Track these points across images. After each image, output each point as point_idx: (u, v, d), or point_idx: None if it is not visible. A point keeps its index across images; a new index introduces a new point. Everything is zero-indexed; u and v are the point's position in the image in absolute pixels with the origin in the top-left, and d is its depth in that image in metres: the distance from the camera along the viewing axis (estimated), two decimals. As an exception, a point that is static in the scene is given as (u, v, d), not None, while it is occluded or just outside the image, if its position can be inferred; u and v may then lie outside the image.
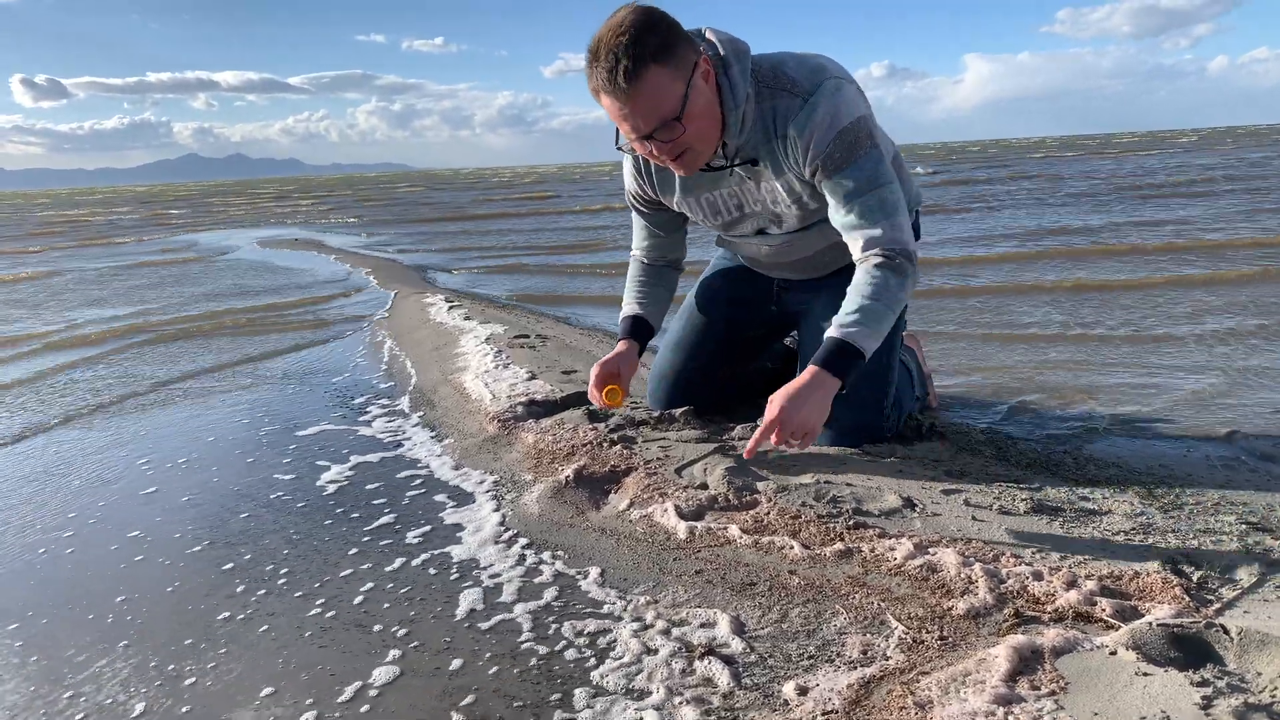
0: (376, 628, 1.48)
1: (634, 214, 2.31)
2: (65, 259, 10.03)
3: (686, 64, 1.76)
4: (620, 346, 2.28)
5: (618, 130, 2.02)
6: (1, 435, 2.88)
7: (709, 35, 1.87)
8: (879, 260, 1.87)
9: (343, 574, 1.70)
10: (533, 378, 3.04)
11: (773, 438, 1.78)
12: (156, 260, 9.36)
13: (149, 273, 8.10)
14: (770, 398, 1.81)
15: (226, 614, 1.57)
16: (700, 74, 1.78)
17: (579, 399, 2.72)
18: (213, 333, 4.76)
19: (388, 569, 1.71)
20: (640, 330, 2.31)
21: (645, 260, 2.36)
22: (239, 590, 1.66)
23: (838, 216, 1.92)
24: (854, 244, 1.92)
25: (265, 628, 1.51)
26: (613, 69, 1.69)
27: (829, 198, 1.92)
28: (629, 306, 2.34)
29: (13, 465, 2.56)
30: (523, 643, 1.41)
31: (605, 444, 2.26)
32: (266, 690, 1.32)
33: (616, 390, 2.21)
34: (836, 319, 1.86)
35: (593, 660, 1.34)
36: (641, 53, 1.68)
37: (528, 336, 3.85)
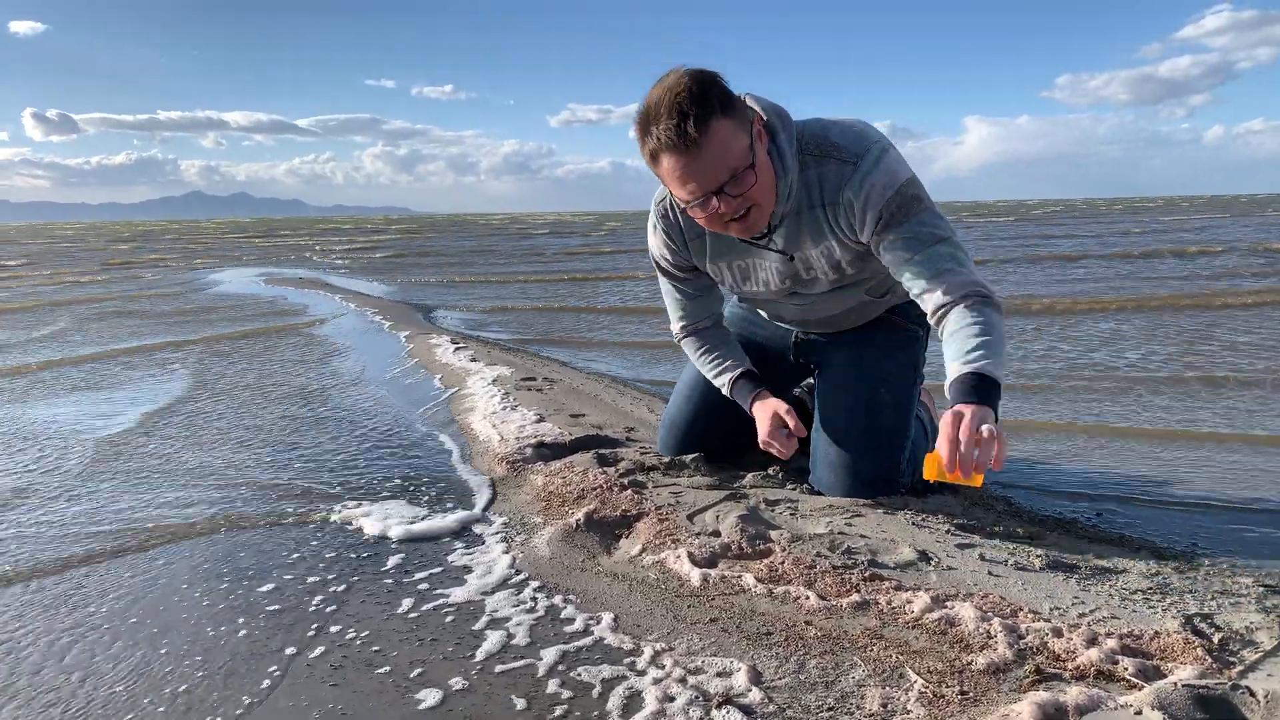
0: (387, 669, 1.46)
1: (665, 283, 2.25)
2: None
3: (745, 119, 1.75)
4: (759, 405, 2.16)
5: (666, 203, 2.04)
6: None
7: (750, 102, 1.84)
8: (971, 300, 1.77)
9: (350, 613, 1.68)
10: (541, 420, 3.04)
11: (965, 434, 1.58)
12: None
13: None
14: (950, 413, 1.62)
15: (235, 650, 1.55)
16: (756, 132, 1.76)
17: (589, 442, 2.72)
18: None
19: (398, 610, 1.69)
20: (754, 379, 2.22)
21: (701, 326, 2.28)
22: (247, 630, 1.64)
23: (906, 272, 1.85)
24: (931, 295, 1.81)
25: (274, 668, 1.49)
26: (680, 124, 1.65)
27: (892, 255, 1.86)
28: (726, 374, 2.23)
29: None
30: (539, 687, 1.39)
31: (616, 488, 2.25)
32: (276, 729, 1.30)
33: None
34: (957, 359, 1.71)
35: (610, 706, 1.32)
36: (708, 105, 1.66)
37: (535, 379, 3.86)
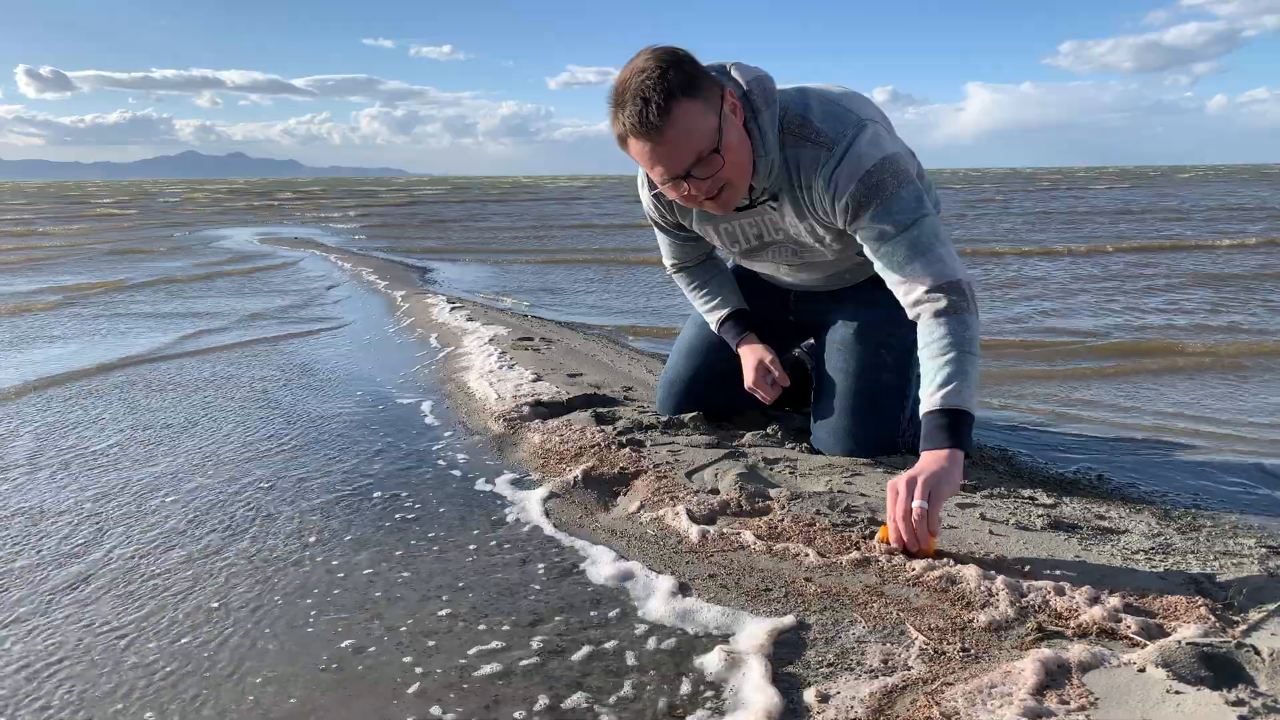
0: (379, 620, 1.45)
1: (657, 230, 2.28)
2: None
3: (714, 96, 1.70)
4: (746, 349, 2.26)
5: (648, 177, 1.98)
6: None
7: (734, 73, 1.80)
8: (931, 310, 1.73)
9: (341, 561, 1.67)
10: (538, 379, 3.01)
11: (900, 518, 1.57)
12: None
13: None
14: (893, 485, 1.59)
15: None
16: (729, 106, 1.72)
17: (586, 401, 2.69)
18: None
19: (398, 554, 1.68)
20: (743, 321, 2.29)
21: (689, 264, 2.34)
22: (244, 614, 1.62)
23: (877, 265, 1.83)
24: (899, 293, 1.80)
25: (273, 645, 1.47)
26: (642, 109, 1.63)
27: (866, 248, 1.84)
28: (715, 312, 2.31)
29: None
30: (539, 638, 1.38)
31: (614, 446, 2.23)
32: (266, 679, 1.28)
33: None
34: (926, 389, 1.69)
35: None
36: (669, 88, 1.62)
37: (531, 339, 3.83)
